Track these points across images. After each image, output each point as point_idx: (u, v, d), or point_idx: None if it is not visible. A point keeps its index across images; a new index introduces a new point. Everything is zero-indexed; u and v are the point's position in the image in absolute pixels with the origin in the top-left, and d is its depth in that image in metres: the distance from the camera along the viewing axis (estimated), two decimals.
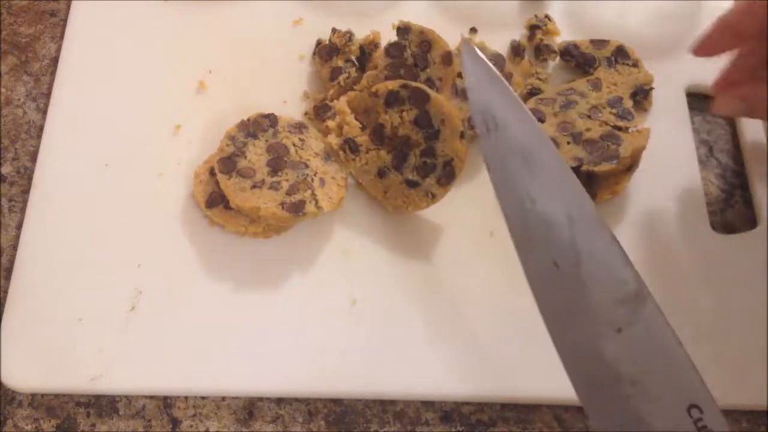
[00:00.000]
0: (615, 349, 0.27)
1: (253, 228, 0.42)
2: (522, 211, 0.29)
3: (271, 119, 0.44)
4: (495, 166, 0.31)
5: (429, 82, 0.44)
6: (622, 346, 0.27)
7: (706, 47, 0.40)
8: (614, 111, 0.45)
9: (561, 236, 0.28)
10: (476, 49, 0.34)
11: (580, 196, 0.29)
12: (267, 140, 0.43)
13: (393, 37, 0.45)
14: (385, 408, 0.40)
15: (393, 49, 0.45)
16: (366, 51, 0.47)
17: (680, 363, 0.26)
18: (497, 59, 0.46)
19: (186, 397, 0.40)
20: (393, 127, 0.42)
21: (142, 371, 0.39)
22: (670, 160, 0.47)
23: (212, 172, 0.43)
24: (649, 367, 0.27)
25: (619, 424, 0.27)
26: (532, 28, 0.51)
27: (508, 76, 0.46)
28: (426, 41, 0.45)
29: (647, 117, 0.48)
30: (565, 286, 0.28)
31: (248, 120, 0.43)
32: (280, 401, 0.40)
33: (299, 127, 0.44)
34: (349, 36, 0.47)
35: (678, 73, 0.50)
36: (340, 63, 0.47)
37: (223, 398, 0.40)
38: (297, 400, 0.40)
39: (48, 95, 0.48)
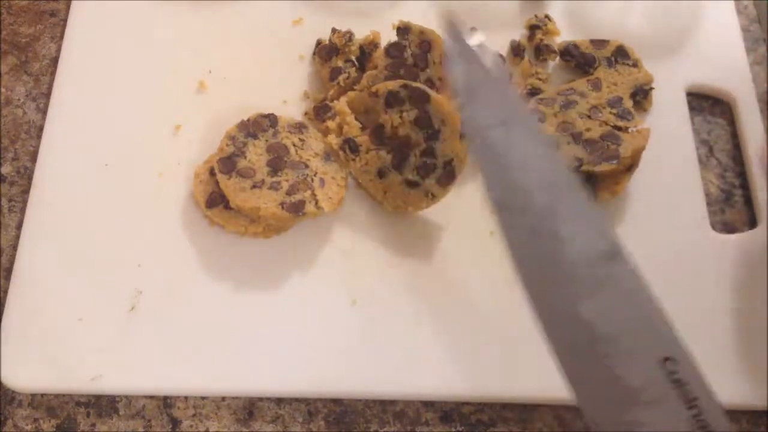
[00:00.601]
0: (592, 307, 0.27)
1: (253, 228, 0.42)
2: (501, 178, 0.30)
3: (271, 119, 0.44)
4: (475, 135, 0.32)
5: (429, 82, 0.44)
6: (599, 305, 0.27)
7: None
8: (614, 111, 0.45)
9: (538, 201, 0.29)
10: (456, 23, 0.34)
11: (557, 161, 0.30)
12: (267, 140, 0.43)
13: (393, 37, 0.45)
14: (385, 408, 0.40)
15: (393, 49, 0.45)
16: (366, 51, 0.47)
17: (654, 317, 0.27)
18: (497, 59, 0.46)
19: (186, 397, 0.40)
20: (393, 128, 0.42)
21: (142, 371, 0.39)
22: (670, 160, 0.47)
23: (212, 172, 0.43)
24: (624, 324, 0.27)
25: (596, 381, 0.28)
26: (532, 28, 0.51)
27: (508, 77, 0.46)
28: (426, 41, 0.45)
29: (647, 117, 0.48)
30: (542, 249, 0.29)
31: (248, 120, 0.43)
32: (280, 401, 0.40)
33: (299, 127, 0.44)
34: (349, 36, 0.47)
35: (678, 73, 0.50)
36: (340, 63, 0.47)
37: (223, 398, 0.40)
38: (297, 400, 0.40)
39: (48, 95, 0.48)
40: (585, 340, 0.28)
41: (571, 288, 0.28)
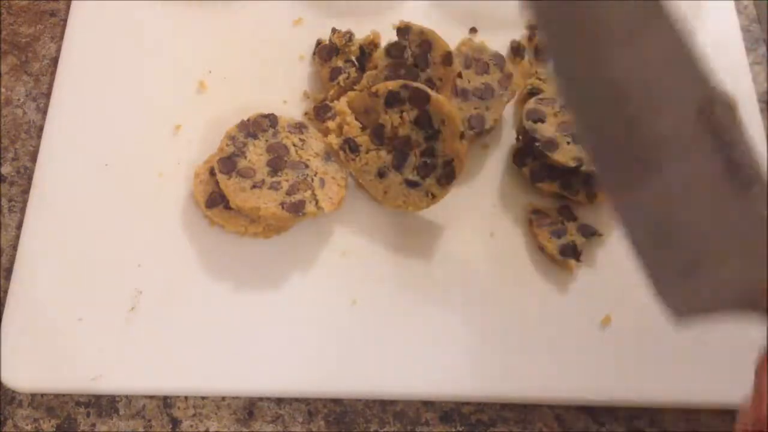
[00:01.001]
0: (622, 55, 0.25)
1: (253, 228, 0.42)
2: None
3: (271, 119, 0.44)
4: None
5: (429, 82, 0.44)
6: (630, 53, 0.25)
7: None
8: None
9: None
10: None
11: None
12: (267, 140, 0.43)
13: (393, 37, 0.45)
14: (385, 408, 0.40)
15: (393, 50, 0.45)
16: (366, 51, 0.47)
17: (692, 61, 0.25)
18: (497, 59, 0.46)
19: (186, 397, 0.40)
20: (393, 127, 0.42)
21: (142, 371, 0.39)
22: None
23: (212, 172, 0.43)
24: (657, 70, 0.25)
25: (621, 136, 0.26)
26: (532, 28, 0.51)
27: (508, 76, 0.46)
28: (426, 41, 0.45)
29: None
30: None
31: (248, 120, 0.43)
32: (280, 401, 0.40)
33: (299, 127, 0.44)
34: (349, 36, 0.47)
35: None
36: (340, 63, 0.47)
37: (223, 398, 0.40)
38: (297, 400, 0.40)
39: (48, 95, 0.48)
40: (612, 93, 0.25)
41: (601, 37, 0.25)
